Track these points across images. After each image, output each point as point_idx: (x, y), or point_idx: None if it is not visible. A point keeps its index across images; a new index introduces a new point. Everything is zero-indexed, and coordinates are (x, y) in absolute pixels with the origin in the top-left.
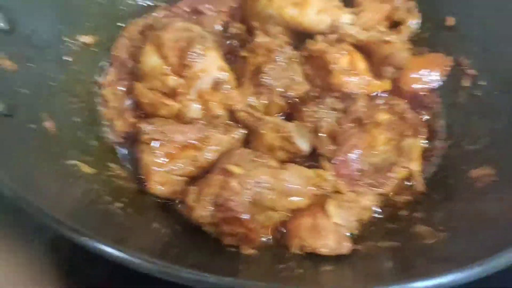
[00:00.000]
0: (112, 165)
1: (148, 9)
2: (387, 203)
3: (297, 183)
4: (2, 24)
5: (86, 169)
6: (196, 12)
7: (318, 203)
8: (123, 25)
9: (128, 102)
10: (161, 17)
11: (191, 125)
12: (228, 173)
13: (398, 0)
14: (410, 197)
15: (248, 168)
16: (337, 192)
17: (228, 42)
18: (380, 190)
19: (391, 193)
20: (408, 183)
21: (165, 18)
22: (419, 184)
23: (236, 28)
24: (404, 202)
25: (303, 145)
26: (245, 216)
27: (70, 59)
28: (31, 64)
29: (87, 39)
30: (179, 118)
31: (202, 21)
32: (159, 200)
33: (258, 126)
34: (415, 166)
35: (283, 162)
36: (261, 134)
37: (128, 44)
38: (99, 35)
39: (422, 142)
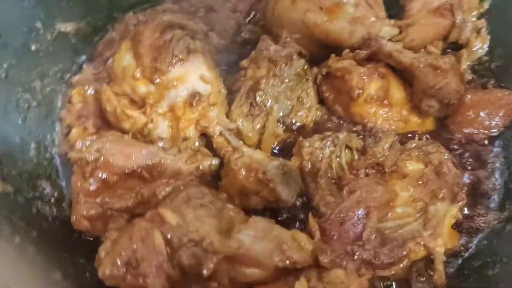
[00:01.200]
0: (43, 183)
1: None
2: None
3: (258, 247)
4: None
5: None
6: (209, 9)
7: (285, 280)
8: (119, 16)
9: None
10: (159, 11)
11: (140, 147)
12: (158, 220)
13: (460, 16)
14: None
15: (190, 218)
16: (318, 266)
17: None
18: (383, 273)
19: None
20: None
21: (162, 13)
22: (438, 274)
23: (250, 31)
24: None
25: (285, 194)
26: None
27: (37, 48)
28: None
29: (66, 27)
30: (143, 135)
31: (210, 19)
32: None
33: (231, 159)
34: (440, 244)
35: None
36: (232, 171)
37: (118, 39)
38: (85, 24)
39: (458, 211)
